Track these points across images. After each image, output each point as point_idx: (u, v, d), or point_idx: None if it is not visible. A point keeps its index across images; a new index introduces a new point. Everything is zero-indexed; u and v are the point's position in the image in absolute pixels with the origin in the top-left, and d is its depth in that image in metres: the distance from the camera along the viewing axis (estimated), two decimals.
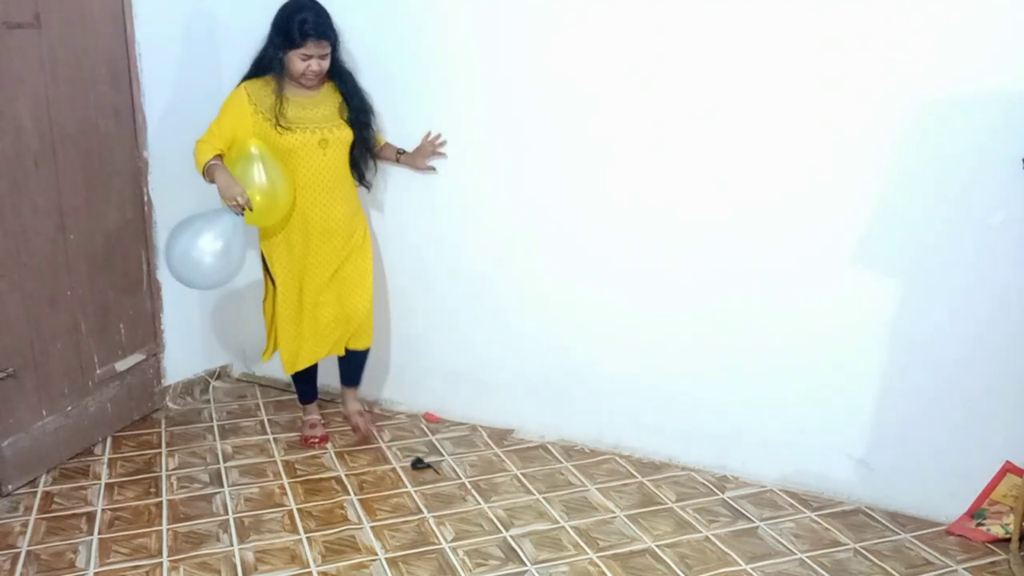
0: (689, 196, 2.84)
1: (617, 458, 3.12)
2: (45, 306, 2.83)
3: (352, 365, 3.23)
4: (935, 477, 2.71)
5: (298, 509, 2.73)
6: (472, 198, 3.15)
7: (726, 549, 2.56)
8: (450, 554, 2.50)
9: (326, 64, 2.80)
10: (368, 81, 3.03)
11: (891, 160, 2.57)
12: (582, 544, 2.57)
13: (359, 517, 2.69)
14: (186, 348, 3.49)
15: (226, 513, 2.70)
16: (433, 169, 3.15)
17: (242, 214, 2.70)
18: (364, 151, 2.97)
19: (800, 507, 2.81)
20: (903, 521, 2.73)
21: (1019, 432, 2.59)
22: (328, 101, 2.90)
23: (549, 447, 3.19)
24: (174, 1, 3.20)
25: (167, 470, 2.97)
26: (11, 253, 2.68)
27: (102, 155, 2.99)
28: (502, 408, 3.32)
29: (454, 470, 3.01)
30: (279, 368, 3.15)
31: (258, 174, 2.73)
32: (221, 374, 3.70)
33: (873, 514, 2.77)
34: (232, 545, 2.53)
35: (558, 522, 2.69)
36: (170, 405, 3.45)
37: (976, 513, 2.66)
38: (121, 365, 3.18)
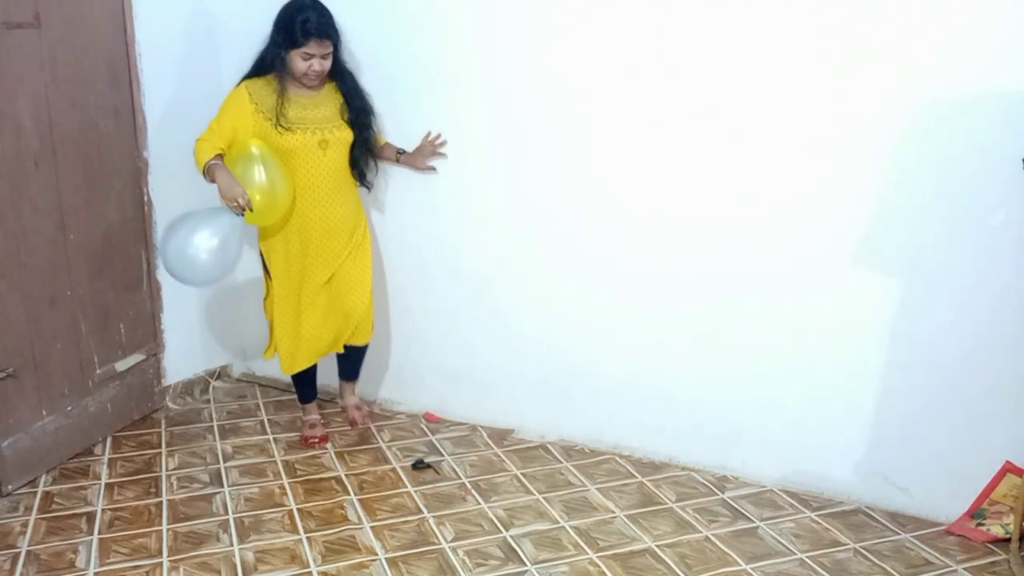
0: (689, 196, 2.84)
1: (617, 458, 3.12)
2: (45, 306, 2.83)
3: (351, 360, 3.23)
4: (935, 477, 2.71)
5: (298, 509, 2.73)
6: (472, 198, 3.15)
7: (726, 549, 2.56)
8: (450, 554, 2.50)
9: (328, 64, 2.80)
10: (368, 81, 3.03)
11: (891, 160, 2.57)
12: (582, 544, 2.57)
13: (359, 517, 2.69)
14: (186, 348, 3.49)
15: (226, 513, 2.70)
16: (433, 169, 3.15)
17: (242, 215, 2.70)
18: (364, 151, 2.97)
19: (800, 507, 2.81)
20: (903, 521, 2.73)
21: (1019, 432, 2.59)
22: (329, 101, 2.90)
23: (549, 447, 3.19)
24: (174, 1, 3.21)
25: (167, 470, 2.97)
26: (11, 253, 2.68)
27: (102, 155, 2.99)
28: (502, 408, 3.32)
29: (454, 470, 3.01)
30: (279, 368, 3.15)
31: (258, 174, 2.73)
32: (221, 374, 3.70)
33: (873, 514, 2.77)
34: (232, 545, 2.53)
35: (558, 522, 2.69)
36: (170, 405, 3.45)
37: (976, 513, 2.66)
38: (121, 365, 3.18)
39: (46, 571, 2.39)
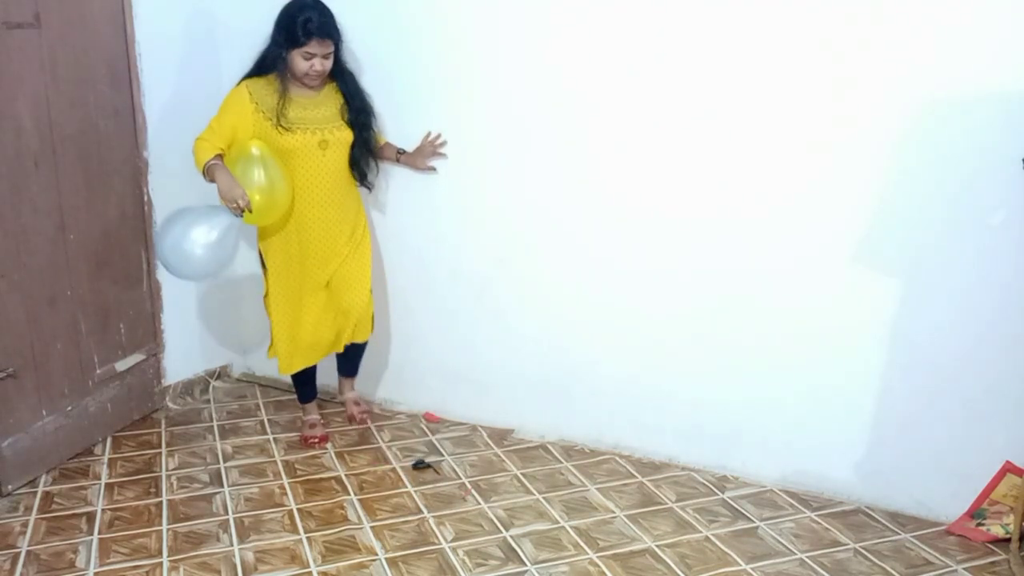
0: (689, 196, 2.84)
1: (617, 458, 3.12)
2: (45, 306, 2.83)
3: (350, 356, 3.23)
4: (935, 477, 2.71)
5: (298, 509, 2.73)
6: (472, 198, 3.15)
7: (726, 549, 2.56)
8: (450, 554, 2.50)
9: (329, 64, 2.80)
10: (369, 81, 3.03)
11: (891, 160, 2.57)
12: (582, 544, 2.57)
13: (359, 517, 2.69)
14: (186, 348, 3.49)
15: (226, 513, 2.70)
16: (433, 169, 3.15)
17: (240, 215, 2.70)
18: (364, 152, 2.97)
19: (800, 507, 2.81)
20: (903, 521, 2.73)
21: (1019, 432, 2.59)
22: (330, 102, 2.90)
23: (549, 447, 3.19)
24: (174, 1, 3.21)
25: (167, 470, 2.97)
26: (11, 253, 2.68)
27: (102, 155, 2.99)
28: (502, 408, 3.32)
29: (454, 470, 3.01)
30: (277, 368, 3.15)
31: (258, 175, 2.73)
32: (221, 374, 3.70)
33: (873, 514, 2.77)
34: (232, 545, 2.53)
35: (558, 522, 2.69)
36: (170, 405, 3.45)
37: (976, 513, 2.66)
38: (121, 365, 3.18)
39: (46, 571, 2.39)
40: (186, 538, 2.56)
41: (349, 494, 2.83)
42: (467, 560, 2.47)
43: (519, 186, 3.07)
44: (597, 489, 2.89)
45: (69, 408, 2.97)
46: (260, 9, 2.85)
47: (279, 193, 2.78)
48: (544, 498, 2.83)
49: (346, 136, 2.90)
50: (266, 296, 3.05)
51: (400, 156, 3.13)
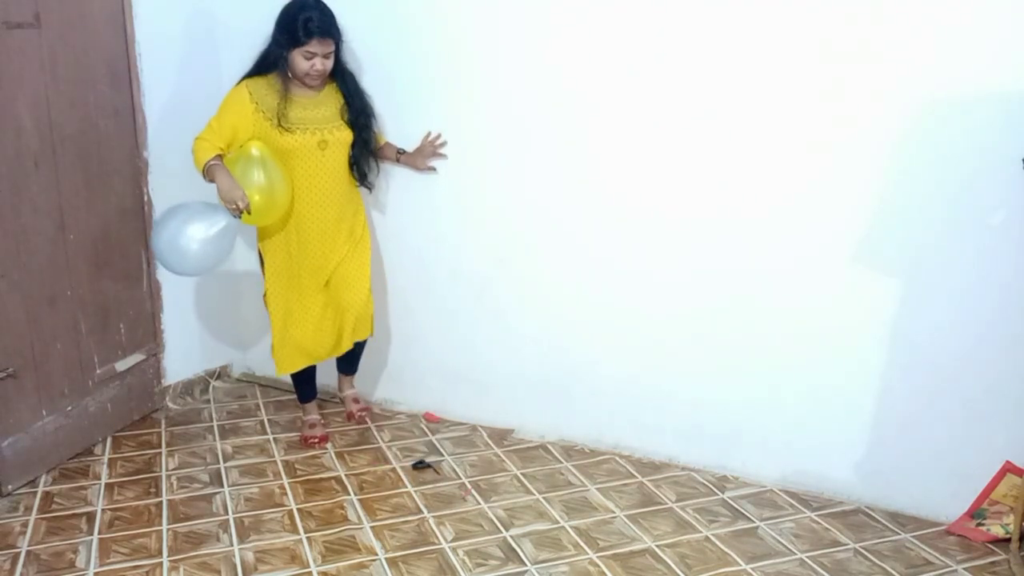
0: (689, 196, 2.84)
1: (617, 458, 3.12)
2: (45, 306, 2.83)
3: (349, 354, 3.23)
4: (935, 477, 2.71)
5: (298, 509, 2.73)
6: (472, 198, 3.15)
7: (726, 549, 2.56)
8: (450, 554, 2.50)
9: (330, 63, 2.80)
10: (369, 81, 3.03)
11: (891, 160, 2.57)
12: (582, 544, 2.57)
13: (359, 517, 2.69)
14: (186, 348, 3.49)
15: (226, 513, 2.70)
16: (433, 169, 3.15)
17: (239, 216, 2.70)
18: (364, 151, 2.97)
19: (800, 507, 2.81)
20: (903, 521, 2.73)
21: (1019, 432, 2.59)
22: (330, 101, 2.90)
23: (549, 447, 3.19)
24: (174, 1, 3.21)
25: (167, 470, 2.97)
26: (11, 253, 2.68)
27: (102, 155, 2.99)
28: (502, 408, 3.32)
29: (454, 470, 3.01)
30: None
31: (258, 175, 2.73)
32: (221, 374, 3.70)
33: (873, 514, 2.77)
34: (232, 545, 2.53)
35: (558, 522, 2.69)
36: (170, 405, 3.45)
37: (976, 513, 2.66)
38: (121, 365, 3.18)
39: (46, 571, 2.39)
40: (186, 538, 2.56)
41: (349, 494, 2.83)
42: (467, 560, 2.47)
43: (519, 186, 3.07)
44: (597, 489, 2.90)
45: (69, 408, 2.97)
46: (260, 9, 2.85)
47: (279, 194, 2.78)
48: (544, 498, 2.83)
49: (346, 136, 2.90)
50: (265, 295, 3.05)
51: (400, 156, 3.13)
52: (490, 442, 3.23)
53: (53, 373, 2.89)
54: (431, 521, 2.68)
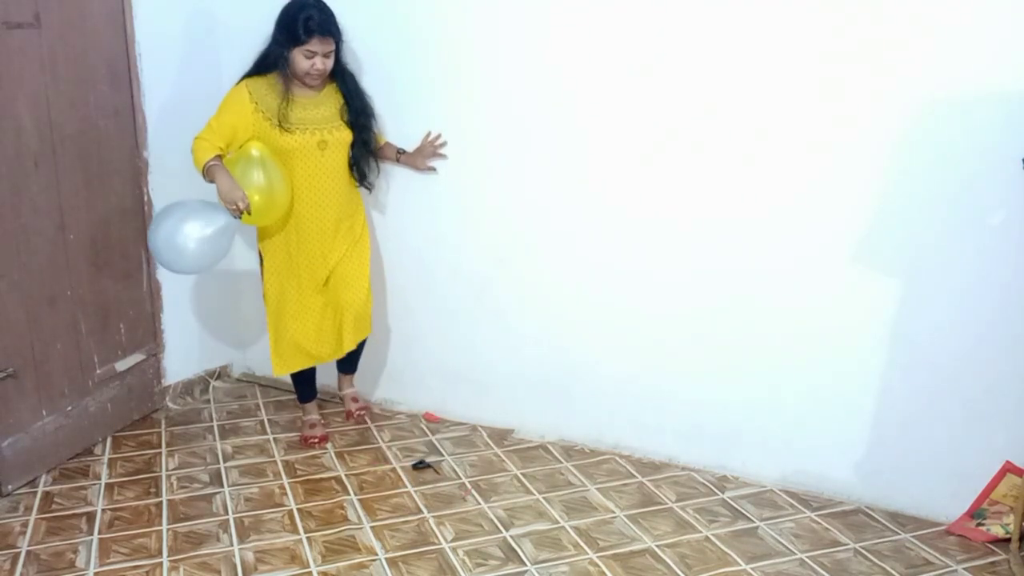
0: (689, 196, 2.84)
1: (617, 458, 3.12)
2: (45, 306, 2.83)
3: (349, 353, 3.22)
4: (935, 477, 2.71)
5: (298, 509, 2.73)
6: (472, 199, 3.15)
7: (726, 549, 2.56)
8: (450, 554, 2.50)
9: (330, 63, 2.80)
10: (369, 81, 3.03)
11: (891, 160, 2.57)
12: (582, 544, 2.57)
13: (359, 517, 2.69)
14: (186, 348, 3.49)
15: (226, 513, 2.70)
16: (433, 169, 3.15)
17: (239, 217, 2.70)
18: (364, 152, 2.97)
19: (800, 507, 2.81)
20: (903, 521, 2.73)
21: (1019, 432, 2.59)
22: (330, 102, 2.90)
23: (549, 447, 3.19)
24: (174, 1, 3.21)
25: (167, 470, 2.97)
26: (11, 253, 2.68)
27: (102, 155, 2.99)
28: (502, 408, 3.32)
29: (454, 470, 3.01)
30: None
31: (257, 176, 2.73)
32: (221, 374, 3.70)
33: (873, 514, 2.77)
34: (232, 545, 2.53)
35: (558, 522, 2.69)
36: (170, 405, 3.45)
37: (976, 513, 2.66)
38: (121, 365, 3.18)
39: (46, 571, 2.39)
40: (186, 538, 2.56)
41: (349, 494, 2.83)
42: (467, 560, 2.47)
43: (519, 186, 3.07)
44: (597, 489, 2.90)
45: (69, 408, 2.97)
46: (260, 9, 2.86)
47: (278, 194, 2.78)
48: (544, 498, 2.83)
49: (345, 136, 2.90)
50: (265, 295, 3.05)
51: (400, 156, 3.13)
52: (490, 442, 3.23)
53: (53, 373, 2.89)
54: (431, 521, 2.68)
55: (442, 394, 3.41)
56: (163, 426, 3.30)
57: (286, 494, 2.83)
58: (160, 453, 3.09)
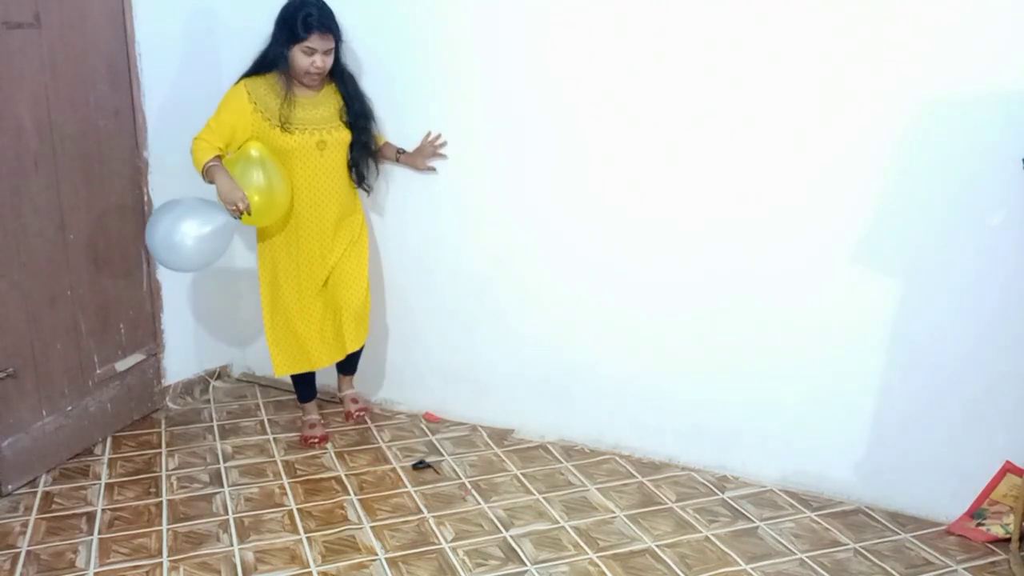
0: (689, 197, 2.84)
1: (617, 458, 3.12)
2: (45, 306, 2.83)
3: (348, 354, 3.22)
4: (935, 477, 2.71)
5: (298, 509, 2.73)
6: (472, 199, 3.15)
7: (726, 549, 2.56)
8: (450, 554, 2.50)
9: (330, 61, 2.80)
10: (369, 81, 3.03)
11: (891, 160, 2.57)
12: (582, 544, 2.57)
13: (359, 517, 2.69)
14: (186, 348, 3.49)
15: (226, 513, 2.70)
16: (433, 169, 3.15)
17: (239, 217, 2.70)
18: (363, 153, 2.98)
19: (800, 507, 2.81)
20: (903, 521, 2.73)
21: (1019, 432, 2.59)
22: (329, 102, 2.90)
23: (549, 447, 3.19)
24: (174, 1, 3.21)
25: (167, 470, 2.97)
26: (11, 253, 2.68)
27: (102, 155, 2.99)
28: (502, 408, 3.32)
29: (454, 470, 3.01)
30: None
31: (257, 176, 2.73)
32: (221, 374, 3.70)
33: (873, 514, 2.77)
34: (232, 545, 2.53)
35: (558, 522, 2.69)
36: (170, 405, 3.45)
37: (976, 513, 2.66)
38: (121, 365, 3.18)
39: (46, 571, 2.39)
40: (186, 538, 2.56)
41: (349, 494, 2.83)
42: (467, 560, 2.47)
43: (519, 186, 3.07)
44: (597, 489, 2.90)
45: (69, 408, 2.97)
46: (260, 8, 2.86)
47: (278, 194, 2.78)
48: (544, 498, 2.83)
49: (344, 137, 2.91)
50: (263, 296, 3.05)
51: (400, 156, 3.13)
52: (490, 442, 3.23)
53: (53, 373, 2.89)
54: (431, 521, 2.68)
55: (442, 394, 3.41)
56: (163, 426, 3.30)
57: (286, 494, 2.83)
58: (160, 453, 3.09)
